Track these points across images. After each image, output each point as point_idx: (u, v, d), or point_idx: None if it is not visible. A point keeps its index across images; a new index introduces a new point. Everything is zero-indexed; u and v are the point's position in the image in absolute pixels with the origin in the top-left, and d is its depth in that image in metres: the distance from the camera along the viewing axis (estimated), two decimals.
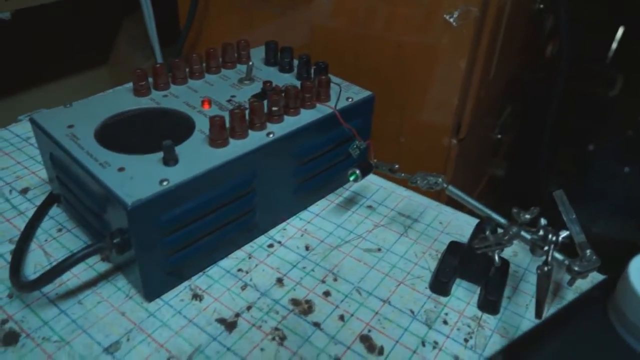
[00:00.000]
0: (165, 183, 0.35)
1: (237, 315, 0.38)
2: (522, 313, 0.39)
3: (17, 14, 0.77)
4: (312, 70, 0.51)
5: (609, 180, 1.10)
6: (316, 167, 0.47)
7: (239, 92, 0.48)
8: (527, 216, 0.37)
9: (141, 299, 0.39)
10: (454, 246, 0.44)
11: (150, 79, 0.47)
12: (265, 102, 0.44)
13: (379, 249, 0.45)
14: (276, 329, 0.37)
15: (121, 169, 0.37)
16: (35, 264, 0.41)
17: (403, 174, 0.45)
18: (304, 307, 0.39)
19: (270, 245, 0.45)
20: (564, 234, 0.37)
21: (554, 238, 0.36)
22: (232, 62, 0.53)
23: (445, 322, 0.38)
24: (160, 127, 0.43)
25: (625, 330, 0.25)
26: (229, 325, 0.37)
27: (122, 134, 0.41)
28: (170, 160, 0.37)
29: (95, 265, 0.41)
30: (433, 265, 0.43)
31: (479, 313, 0.39)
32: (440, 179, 0.43)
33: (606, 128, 1.16)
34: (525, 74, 0.94)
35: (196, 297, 0.39)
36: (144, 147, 0.39)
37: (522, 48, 0.78)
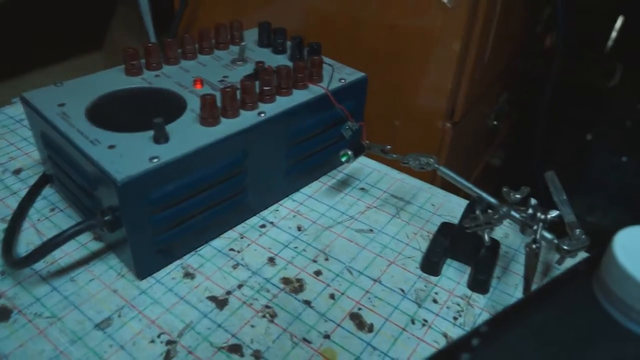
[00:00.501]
0: (155, 160, 0.35)
1: (228, 293, 0.38)
2: (512, 292, 0.39)
3: None
4: (305, 52, 0.51)
5: (606, 170, 1.10)
6: (308, 148, 0.47)
7: (232, 72, 0.48)
8: (517, 196, 0.38)
9: (133, 277, 0.39)
10: (445, 227, 0.44)
11: (143, 60, 0.47)
12: (257, 82, 0.44)
13: (371, 230, 0.45)
14: (267, 306, 0.37)
15: (111, 147, 0.37)
16: (27, 243, 0.41)
17: (395, 155, 0.45)
18: (294, 286, 0.39)
19: (262, 226, 0.45)
20: (553, 213, 0.37)
21: (542, 216, 0.36)
22: (225, 43, 0.53)
23: (435, 301, 0.38)
24: (152, 106, 0.43)
25: (610, 303, 0.25)
26: (220, 302, 0.37)
27: (113, 113, 0.41)
28: (160, 137, 0.37)
29: (87, 244, 0.42)
30: (424, 245, 0.43)
31: (469, 292, 0.39)
32: (432, 160, 0.43)
33: (605, 118, 1.16)
34: (523, 63, 0.93)
35: (187, 275, 0.39)
36: (134, 125, 0.39)
37: (518, 34, 0.78)
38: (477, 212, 0.38)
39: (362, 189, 0.50)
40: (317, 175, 0.51)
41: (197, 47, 0.51)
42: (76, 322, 0.35)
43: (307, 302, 0.38)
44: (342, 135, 0.47)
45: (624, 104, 1.14)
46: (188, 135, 0.38)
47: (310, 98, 0.45)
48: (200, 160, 0.38)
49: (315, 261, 0.41)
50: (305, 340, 0.35)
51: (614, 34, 1.09)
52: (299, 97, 0.45)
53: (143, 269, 0.39)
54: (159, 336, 0.35)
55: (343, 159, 0.44)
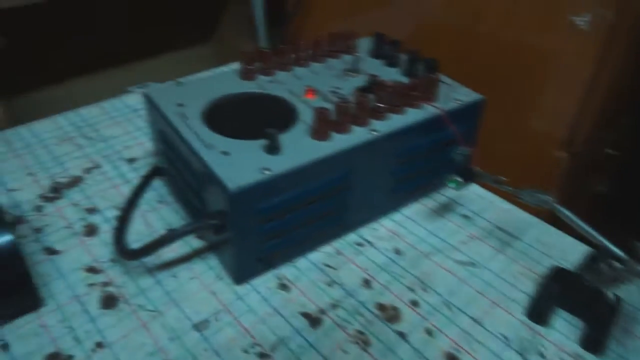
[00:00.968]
0: (267, 172, 0.35)
1: (322, 312, 0.38)
2: (632, 359, 0.35)
3: None
4: (420, 67, 0.49)
5: None
6: (415, 168, 0.45)
7: (344, 83, 0.47)
8: None
9: (230, 280, 0.40)
10: (558, 272, 0.40)
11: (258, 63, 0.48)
12: (370, 96, 0.43)
13: (473, 264, 0.42)
14: (360, 332, 0.36)
15: (225, 153, 0.37)
16: (136, 232, 0.43)
17: (510, 188, 0.41)
18: (390, 314, 0.38)
19: (360, 244, 0.44)
20: None
21: None
22: (339, 52, 0.52)
23: (542, 355, 0.35)
24: (265, 113, 0.43)
25: None
26: (314, 320, 0.37)
27: (228, 118, 0.42)
28: (274, 148, 0.37)
29: (189, 241, 0.43)
30: (531, 289, 0.40)
31: (581, 351, 0.36)
32: (549, 198, 0.39)
33: None
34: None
35: (282, 286, 0.39)
36: (248, 132, 0.39)
37: None
38: (602, 264, 0.35)
39: (465, 216, 0.47)
40: (418, 196, 0.49)
41: (311, 54, 0.51)
42: (176, 319, 0.36)
43: (402, 335, 0.36)
44: (451, 158, 0.44)
45: None
46: (299, 148, 0.38)
47: (423, 118, 0.43)
48: (309, 174, 0.37)
49: (412, 289, 0.40)
50: None
51: None
52: (412, 116, 0.43)
53: (242, 275, 0.39)
54: (252, 346, 0.35)
55: (451, 186, 0.42)
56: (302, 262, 0.42)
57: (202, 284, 0.39)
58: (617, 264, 0.35)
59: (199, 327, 0.36)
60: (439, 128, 0.44)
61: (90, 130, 0.56)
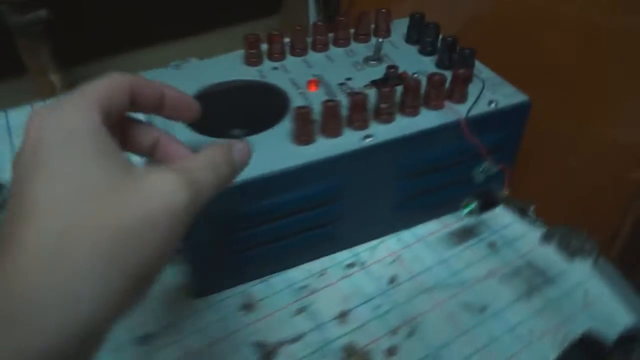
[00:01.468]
0: None
1: (280, 344, 0.32)
2: None
3: None
4: (456, 58, 0.40)
5: None
6: (428, 182, 0.38)
7: (359, 73, 0.40)
8: None
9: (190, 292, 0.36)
10: (589, 339, 0.31)
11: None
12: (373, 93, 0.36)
13: (484, 309, 0.34)
14: None
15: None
16: None
17: (537, 221, 0.32)
18: None
19: (351, 265, 0.38)
20: None
21: None
22: (367, 35, 0.45)
23: None
24: (251, 107, 0.38)
25: None
26: (266, 354, 0.32)
27: (208, 110, 0.37)
28: None
29: None
30: (553, 354, 0.31)
31: None
32: (588, 244, 0.30)
33: None
34: None
35: (246, 307, 0.35)
36: (222, 128, 0.34)
37: None
38: (638, 350, 0.25)
39: (491, 244, 0.39)
40: (437, 213, 0.41)
41: (332, 37, 0.44)
42: (119, 327, 0.34)
43: None
44: (472, 176, 0.36)
45: None
46: (272, 152, 0.32)
47: (439, 124, 0.35)
48: (277, 185, 0.32)
49: (395, 333, 0.33)
50: None
51: None
52: (425, 120, 0.35)
53: (201, 288, 0.35)
54: None
55: (464, 211, 0.34)
56: (277, 280, 0.37)
57: (159, 292, 0.36)
58: None
59: (141, 341, 0.33)
60: (460, 136, 0.35)
61: None
